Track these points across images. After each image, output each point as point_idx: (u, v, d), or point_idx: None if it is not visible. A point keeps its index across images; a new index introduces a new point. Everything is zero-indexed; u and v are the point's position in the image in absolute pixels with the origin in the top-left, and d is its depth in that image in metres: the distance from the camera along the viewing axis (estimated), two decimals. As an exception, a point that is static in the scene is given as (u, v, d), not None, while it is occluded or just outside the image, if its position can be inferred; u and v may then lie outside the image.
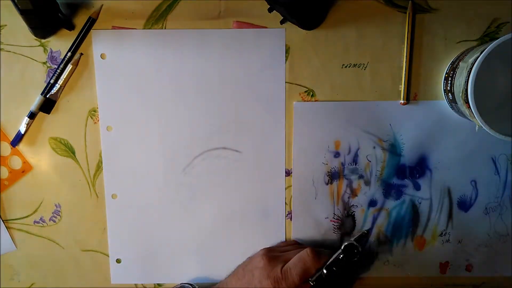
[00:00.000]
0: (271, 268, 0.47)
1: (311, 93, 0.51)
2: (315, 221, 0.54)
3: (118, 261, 0.55)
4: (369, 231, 0.53)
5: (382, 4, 0.50)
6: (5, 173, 0.53)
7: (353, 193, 0.53)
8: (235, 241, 0.54)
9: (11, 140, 0.52)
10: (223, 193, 0.53)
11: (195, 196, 0.53)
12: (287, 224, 0.54)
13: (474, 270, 0.54)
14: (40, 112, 0.52)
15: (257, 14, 0.50)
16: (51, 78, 0.51)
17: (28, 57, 0.51)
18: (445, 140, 0.52)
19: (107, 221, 0.54)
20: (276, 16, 0.49)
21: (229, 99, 0.52)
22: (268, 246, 0.53)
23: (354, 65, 0.51)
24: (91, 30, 0.50)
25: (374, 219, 0.54)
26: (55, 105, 0.52)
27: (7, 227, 0.54)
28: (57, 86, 0.51)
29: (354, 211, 0.54)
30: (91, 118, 0.52)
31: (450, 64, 0.49)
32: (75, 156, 0.53)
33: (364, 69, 0.50)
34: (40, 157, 0.53)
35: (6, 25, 0.50)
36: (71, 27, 0.50)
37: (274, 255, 0.50)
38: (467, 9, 0.49)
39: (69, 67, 0.51)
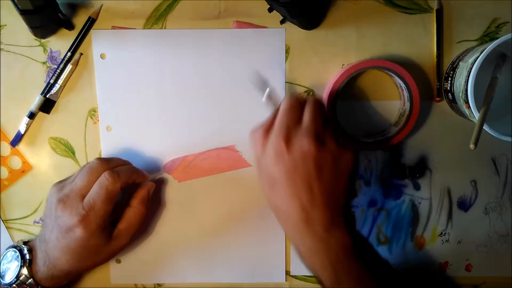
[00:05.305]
0: (70, 210, 0.44)
1: (311, 93, 0.51)
2: (315, 221, 0.54)
3: (118, 261, 0.54)
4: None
5: (382, 4, 0.50)
6: (5, 173, 0.53)
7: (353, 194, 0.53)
8: (235, 241, 0.54)
9: (11, 140, 0.52)
10: (223, 193, 0.53)
11: (195, 196, 0.53)
12: (287, 224, 0.54)
13: (474, 270, 0.54)
14: (40, 112, 0.52)
15: (257, 14, 0.50)
16: (51, 78, 0.51)
17: (28, 57, 0.51)
18: (445, 140, 0.52)
19: (107, 221, 0.54)
20: (276, 16, 0.49)
21: (229, 99, 0.51)
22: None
23: (354, 65, 0.50)
24: (91, 30, 0.50)
25: (374, 219, 0.54)
26: (55, 105, 0.52)
27: (7, 227, 0.54)
28: (57, 86, 0.51)
29: (354, 211, 0.54)
30: (91, 118, 0.52)
31: (450, 64, 0.49)
32: (75, 156, 0.53)
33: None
34: (40, 157, 0.53)
35: (6, 25, 0.50)
36: (71, 27, 0.50)
37: (66, 193, 0.46)
38: (467, 9, 0.49)
39: (69, 67, 0.51)
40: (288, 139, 0.40)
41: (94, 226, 0.44)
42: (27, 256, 0.47)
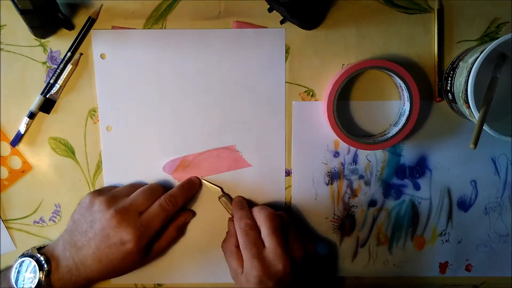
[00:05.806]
0: (127, 223, 0.45)
1: (311, 93, 0.51)
2: (315, 221, 0.54)
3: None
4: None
5: (382, 4, 0.50)
6: (5, 173, 0.53)
7: (354, 194, 0.53)
8: (235, 241, 0.54)
9: (11, 140, 0.52)
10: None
11: (195, 196, 0.53)
12: (287, 224, 0.54)
13: (474, 270, 0.55)
14: (40, 112, 0.52)
15: (257, 14, 0.50)
16: (50, 78, 0.51)
17: (28, 57, 0.51)
18: (445, 140, 0.52)
19: (107, 221, 0.54)
20: (276, 16, 0.49)
21: (229, 99, 0.51)
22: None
23: (354, 65, 0.51)
24: (91, 30, 0.50)
25: (374, 219, 0.54)
26: (55, 105, 0.52)
27: (7, 227, 0.54)
28: (57, 86, 0.51)
29: (354, 211, 0.54)
30: (91, 118, 0.52)
31: (450, 64, 0.49)
32: (75, 156, 0.53)
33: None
34: (40, 157, 0.53)
35: (6, 25, 0.50)
36: (71, 27, 0.50)
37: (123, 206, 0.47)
38: (467, 9, 0.49)
39: (69, 67, 0.51)
40: (262, 267, 0.43)
41: (144, 242, 0.46)
42: (45, 267, 0.46)
